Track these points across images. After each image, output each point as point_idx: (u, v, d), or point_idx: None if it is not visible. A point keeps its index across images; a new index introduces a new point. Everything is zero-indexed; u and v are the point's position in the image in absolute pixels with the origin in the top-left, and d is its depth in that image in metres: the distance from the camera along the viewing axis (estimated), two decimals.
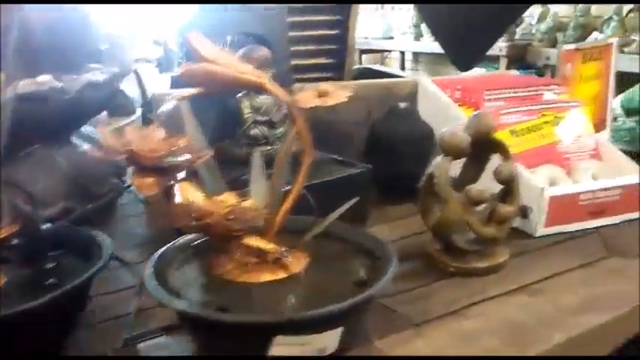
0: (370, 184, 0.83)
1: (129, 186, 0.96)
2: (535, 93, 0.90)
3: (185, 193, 0.50)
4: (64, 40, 0.87)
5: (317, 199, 0.66)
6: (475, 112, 0.70)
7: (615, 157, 0.86)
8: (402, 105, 0.93)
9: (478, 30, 1.27)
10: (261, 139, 0.76)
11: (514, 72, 1.29)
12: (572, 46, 0.99)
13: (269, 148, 0.75)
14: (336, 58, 1.13)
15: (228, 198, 0.54)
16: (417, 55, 4.10)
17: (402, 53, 4.24)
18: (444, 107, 0.93)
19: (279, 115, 0.79)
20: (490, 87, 0.89)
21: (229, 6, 0.95)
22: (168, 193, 0.49)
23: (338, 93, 0.53)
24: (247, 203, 0.56)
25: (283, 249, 0.53)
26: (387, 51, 4.38)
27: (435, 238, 0.71)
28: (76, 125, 0.89)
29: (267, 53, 0.77)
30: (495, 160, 0.72)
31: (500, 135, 0.84)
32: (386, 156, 0.92)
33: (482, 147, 0.71)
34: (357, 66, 1.36)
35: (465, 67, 1.52)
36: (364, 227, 0.80)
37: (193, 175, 0.58)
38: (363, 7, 4.34)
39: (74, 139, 0.89)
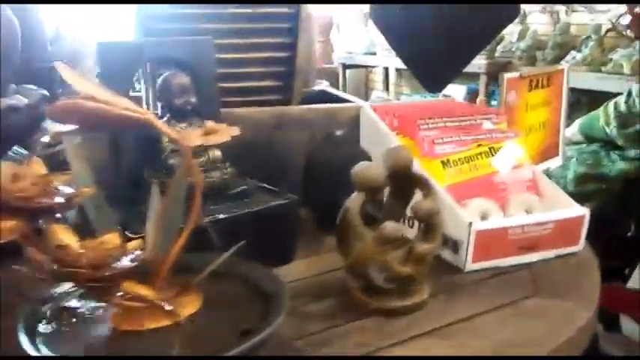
0: (296, 216, 0.80)
1: None
2: (473, 122, 0.88)
3: (54, 236, 0.47)
4: None
5: (237, 233, 0.64)
6: (391, 146, 0.68)
7: (552, 190, 0.84)
8: (339, 132, 0.91)
9: (447, 53, 1.25)
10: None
11: (459, 99, 1.28)
12: (516, 74, 0.97)
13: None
14: (283, 81, 1.10)
15: (112, 239, 0.51)
16: (400, 72, 4.09)
17: (386, 69, 4.24)
18: (382, 136, 0.91)
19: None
20: (426, 115, 0.87)
21: (152, 29, 0.94)
22: (30, 237, 0.46)
23: (224, 131, 0.51)
24: (133, 243, 0.54)
25: (163, 296, 0.51)
26: (370, 67, 4.38)
27: (352, 275, 0.69)
28: None
29: (186, 80, 0.75)
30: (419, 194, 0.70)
31: (432, 166, 0.82)
32: (322, 185, 0.90)
33: (402, 182, 0.69)
34: (318, 87, 1.33)
35: (434, 89, 1.50)
36: (287, 262, 0.78)
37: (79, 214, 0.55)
38: (347, 22, 4.33)
39: None
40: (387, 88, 4.35)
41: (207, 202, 0.73)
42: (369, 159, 0.91)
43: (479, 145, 0.84)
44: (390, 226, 0.64)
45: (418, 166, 0.77)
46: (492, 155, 0.84)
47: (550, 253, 0.79)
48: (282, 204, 0.77)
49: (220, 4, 1.03)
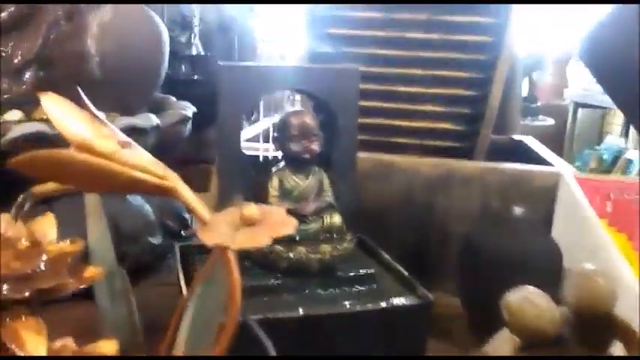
0: (427, 323, 0.57)
1: (170, 247, 0.82)
2: None
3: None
4: (126, 68, 0.77)
5: (338, 334, 0.45)
6: (585, 269, 0.42)
7: None
8: (520, 210, 0.65)
9: None
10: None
11: None
12: None
13: (290, 254, 0.55)
14: (467, 125, 0.87)
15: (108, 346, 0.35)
16: None
17: None
18: (584, 226, 0.63)
19: (315, 205, 0.58)
20: None
21: (317, 34, 0.77)
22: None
23: (276, 226, 0.31)
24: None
25: None
26: (608, 108, 3.79)
27: None
28: None
29: (310, 121, 0.57)
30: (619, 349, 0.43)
31: None
32: (483, 278, 0.65)
33: (592, 326, 0.42)
34: (513, 135, 1.07)
35: None
36: None
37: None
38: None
39: None
40: (626, 134, 3.72)
41: (309, 286, 0.55)
42: (557, 255, 0.64)
43: None
44: None
45: (633, 294, 0.49)
46: None
47: None
48: (412, 306, 0.55)
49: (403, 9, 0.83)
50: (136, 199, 0.79)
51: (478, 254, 0.66)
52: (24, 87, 0.73)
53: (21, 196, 0.34)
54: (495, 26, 0.83)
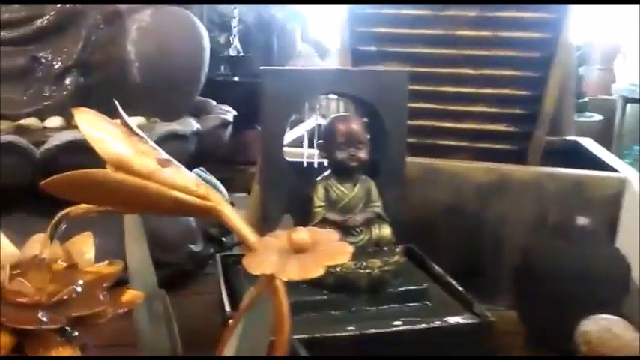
0: (487, 343, 0.54)
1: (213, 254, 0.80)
2: None
3: None
4: (166, 73, 0.75)
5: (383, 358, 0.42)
6: None
7: None
8: (583, 221, 0.61)
9: None
10: None
11: None
12: None
13: (337, 269, 0.51)
14: (521, 126, 0.82)
15: None
16: None
17: None
18: None
19: (363, 216, 0.55)
20: None
21: (359, 33, 0.74)
22: None
23: (335, 250, 0.28)
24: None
25: None
26: None
27: None
28: None
29: (357, 127, 0.54)
30: None
31: None
32: (542, 292, 0.61)
33: None
34: (566, 136, 1.01)
35: None
36: None
37: None
38: (636, 51, 3.69)
39: None
40: None
41: (357, 302, 0.52)
42: (625, 267, 0.59)
43: None
44: None
45: None
46: None
47: None
48: (470, 325, 0.51)
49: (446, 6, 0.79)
50: None
51: (537, 267, 0.62)
52: (64, 93, 0.72)
53: (57, 216, 0.32)
54: (551, 22, 0.78)
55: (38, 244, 0.34)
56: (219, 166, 1.16)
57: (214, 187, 0.88)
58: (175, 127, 0.69)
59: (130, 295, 0.34)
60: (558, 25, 0.77)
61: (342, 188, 0.55)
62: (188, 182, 0.30)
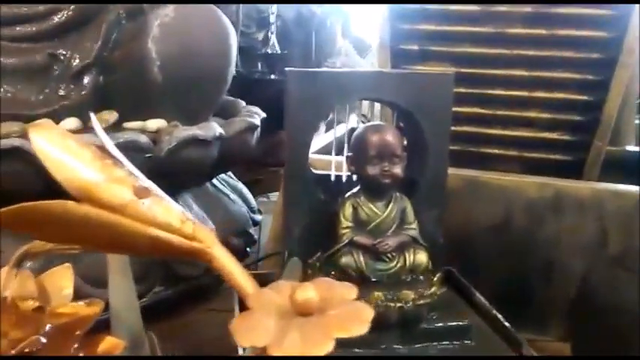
0: None
1: None
2: None
3: None
4: (189, 72, 0.69)
5: None
6: None
7: None
8: None
9: None
10: (354, 275, 0.46)
11: None
12: None
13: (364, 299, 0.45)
14: (578, 134, 0.74)
15: None
16: None
17: None
18: None
19: (396, 240, 0.48)
20: None
21: (400, 30, 0.67)
22: None
23: (352, 315, 0.22)
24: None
25: None
26: None
27: None
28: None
29: (392, 138, 0.47)
30: None
31: None
32: (602, 327, 0.53)
33: None
34: (630, 147, 0.91)
35: None
36: None
37: None
38: None
39: None
40: None
41: (388, 340, 0.45)
42: None
43: None
44: None
45: None
46: None
47: None
48: None
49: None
50: (197, 213, 0.72)
51: (595, 297, 0.54)
52: (82, 93, 0.67)
53: (18, 252, 0.27)
54: (615, 20, 0.69)
55: (2, 279, 0.28)
56: (251, 166, 1.11)
57: (240, 193, 0.83)
58: (196, 131, 0.64)
59: (108, 343, 0.28)
60: (622, 24, 0.69)
61: (373, 207, 0.48)
62: (172, 217, 0.24)
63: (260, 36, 1.59)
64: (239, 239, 0.77)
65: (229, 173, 0.86)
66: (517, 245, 0.63)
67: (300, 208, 0.51)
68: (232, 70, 0.76)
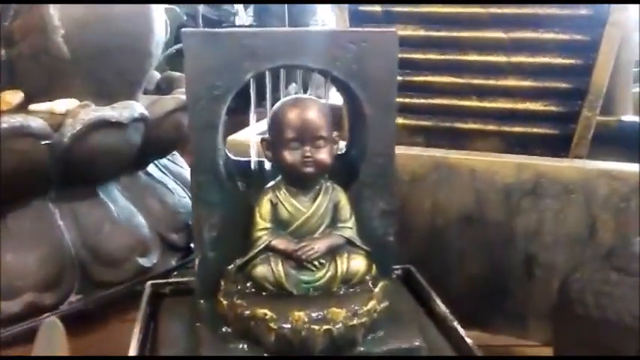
0: None
1: (174, 269, 0.65)
2: None
3: None
4: (103, 43, 0.59)
5: None
6: None
7: None
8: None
9: None
10: (272, 289, 0.36)
11: None
12: None
13: (281, 325, 0.35)
14: (562, 106, 0.63)
15: None
16: None
17: None
18: None
19: (326, 242, 0.38)
20: None
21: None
22: None
23: None
24: None
25: None
26: None
27: None
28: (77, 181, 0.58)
29: (315, 115, 0.37)
30: None
31: None
32: (588, 335, 0.44)
33: None
34: (625, 117, 0.81)
35: None
36: None
37: None
38: None
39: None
40: None
41: None
42: None
43: None
44: None
45: None
46: None
47: None
48: None
49: None
50: (124, 208, 0.62)
51: (582, 303, 0.45)
52: None
53: None
54: None
55: None
56: None
57: (184, 180, 0.73)
58: (107, 112, 0.54)
59: None
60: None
61: (296, 203, 0.38)
62: None
63: (237, 8, 1.50)
64: (179, 235, 0.67)
65: (173, 159, 0.76)
66: (491, 237, 0.54)
67: (211, 203, 0.41)
68: (159, 41, 0.65)
